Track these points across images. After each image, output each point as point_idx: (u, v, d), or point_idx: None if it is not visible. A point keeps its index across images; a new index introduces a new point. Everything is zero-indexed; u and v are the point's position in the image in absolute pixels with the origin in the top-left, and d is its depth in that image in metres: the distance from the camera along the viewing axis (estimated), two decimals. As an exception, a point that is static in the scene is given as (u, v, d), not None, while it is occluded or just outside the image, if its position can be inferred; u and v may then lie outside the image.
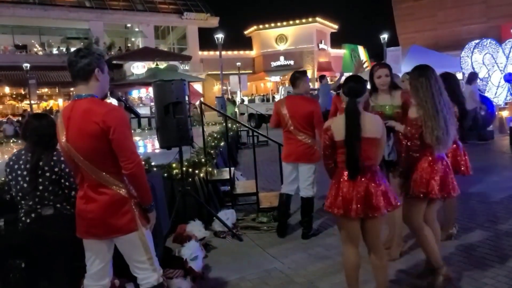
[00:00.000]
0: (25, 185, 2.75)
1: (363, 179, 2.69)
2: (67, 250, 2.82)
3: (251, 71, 39.20)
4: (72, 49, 27.11)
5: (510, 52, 13.78)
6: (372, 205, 2.67)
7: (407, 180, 3.11)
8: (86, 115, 2.24)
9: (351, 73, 5.37)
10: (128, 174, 2.30)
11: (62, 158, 2.78)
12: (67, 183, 2.81)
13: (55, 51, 28.93)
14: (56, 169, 2.77)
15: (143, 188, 2.38)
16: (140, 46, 30.66)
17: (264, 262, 3.93)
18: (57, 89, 28.33)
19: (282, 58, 38.58)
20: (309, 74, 32.51)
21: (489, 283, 3.17)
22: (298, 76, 4.53)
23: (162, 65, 23.74)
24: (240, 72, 30.87)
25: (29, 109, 23.55)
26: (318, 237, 4.49)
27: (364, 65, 5.26)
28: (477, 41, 14.35)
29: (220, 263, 3.94)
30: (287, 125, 4.43)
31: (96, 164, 2.28)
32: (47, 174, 2.75)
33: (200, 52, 35.67)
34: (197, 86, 29.77)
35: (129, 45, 34.21)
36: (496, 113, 11.10)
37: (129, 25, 33.69)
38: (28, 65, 24.34)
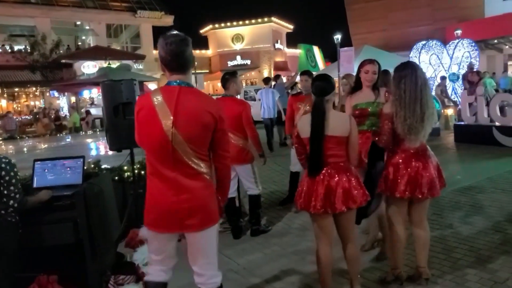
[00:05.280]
0: None
1: (325, 176, 2.75)
2: (9, 260, 2.68)
3: (207, 71, 38.90)
4: (17, 47, 25.80)
5: (453, 53, 14.55)
6: (331, 202, 2.73)
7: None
8: (201, 104, 2.20)
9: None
10: (224, 165, 2.35)
11: (3, 165, 2.65)
12: (5, 192, 2.67)
13: (-2, 49, 27.31)
14: None
15: (229, 180, 2.47)
16: (91, 45, 29.59)
17: (220, 264, 3.84)
18: (-1, 90, 26.73)
19: (238, 57, 38.57)
20: (265, 74, 32.52)
21: (436, 274, 3.30)
22: (228, 78, 4.46)
23: (115, 64, 23.00)
24: (196, 71, 30.55)
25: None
26: (274, 236, 4.51)
27: (292, 74, 5.38)
28: (424, 42, 15.04)
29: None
30: None
31: (198, 151, 2.21)
32: None
33: (154, 51, 34.82)
34: (152, 86, 29.17)
35: (79, 43, 32.90)
36: (442, 111, 11.67)
37: (78, 22, 32.41)
38: (-32, 64, 22.82)
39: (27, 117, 20.12)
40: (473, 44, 14.39)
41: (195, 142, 2.19)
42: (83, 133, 15.34)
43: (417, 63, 13.53)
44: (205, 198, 2.24)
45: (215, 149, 2.29)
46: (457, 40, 15.24)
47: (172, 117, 2.14)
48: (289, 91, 10.79)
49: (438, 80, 13.51)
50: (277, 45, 39.71)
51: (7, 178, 2.64)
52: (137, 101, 2.28)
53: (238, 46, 39.19)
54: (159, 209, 2.24)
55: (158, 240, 2.36)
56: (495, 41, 25.35)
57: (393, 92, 2.98)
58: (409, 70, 2.92)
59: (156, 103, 2.17)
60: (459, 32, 23.53)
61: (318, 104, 2.80)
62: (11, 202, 2.67)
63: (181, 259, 2.47)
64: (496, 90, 11.17)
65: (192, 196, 2.20)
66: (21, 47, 26.01)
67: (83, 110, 19.52)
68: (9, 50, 25.48)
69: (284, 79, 15.22)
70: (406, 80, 2.88)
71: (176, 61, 2.19)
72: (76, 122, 16.77)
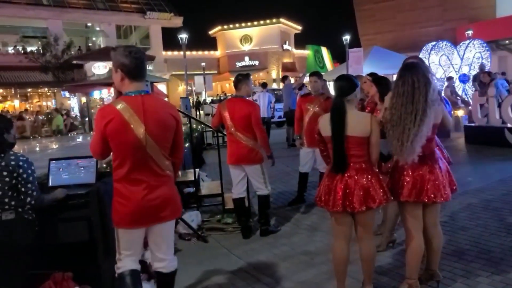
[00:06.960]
0: None
1: (345, 175, 2.77)
2: (24, 257, 2.73)
3: (216, 72, 39.03)
4: (29, 49, 26.14)
5: (464, 53, 14.44)
6: (350, 201, 2.75)
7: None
8: (164, 109, 2.48)
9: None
10: (179, 159, 2.67)
11: (20, 163, 2.70)
12: (23, 189, 2.73)
13: (10, 50, 27.64)
14: (15, 174, 2.69)
15: (180, 166, 2.77)
16: (102, 46, 29.83)
17: (230, 264, 3.92)
18: (13, 90, 27.07)
19: (247, 58, 38.65)
20: (273, 75, 32.52)
21: (447, 276, 3.29)
22: (240, 79, 4.52)
23: (125, 65, 23.13)
24: (205, 72, 30.66)
25: (-18, 111, 22.34)
26: (283, 237, 4.52)
27: (300, 75, 5.35)
28: (433, 43, 14.94)
29: (185, 266, 3.87)
30: (229, 127, 4.46)
31: (165, 152, 2.49)
32: (7, 179, 2.67)
33: (164, 52, 35.12)
34: (161, 87, 29.34)
35: (90, 44, 33.19)
36: (452, 112, 11.57)
37: (89, 24, 32.71)
38: (-19, 65, 23.12)
39: (40, 117, 20.30)
40: (484, 44, 14.26)
41: (164, 144, 2.47)
42: (60, 135, 14.95)
43: (427, 64, 13.50)
44: (172, 193, 2.57)
45: (174, 146, 2.55)
46: (468, 41, 15.11)
47: (143, 125, 2.36)
48: (297, 91, 10.83)
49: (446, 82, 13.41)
50: (285, 46, 39.71)
51: (24, 175, 2.70)
52: (102, 114, 2.38)
53: (246, 47, 39.27)
54: (136, 207, 2.42)
55: (132, 236, 2.54)
56: (507, 41, 25.12)
57: (390, 99, 2.82)
58: (406, 78, 2.69)
59: (124, 113, 2.35)
60: (470, 32, 23.31)
61: (337, 104, 2.81)
62: (28, 199, 2.72)
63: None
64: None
65: (162, 192, 2.48)
66: (34, 48, 26.33)
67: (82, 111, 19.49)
68: (22, 51, 25.78)
69: (292, 80, 15.27)
70: (401, 96, 2.69)
71: (140, 68, 2.42)
72: (59, 125, 16.66)
